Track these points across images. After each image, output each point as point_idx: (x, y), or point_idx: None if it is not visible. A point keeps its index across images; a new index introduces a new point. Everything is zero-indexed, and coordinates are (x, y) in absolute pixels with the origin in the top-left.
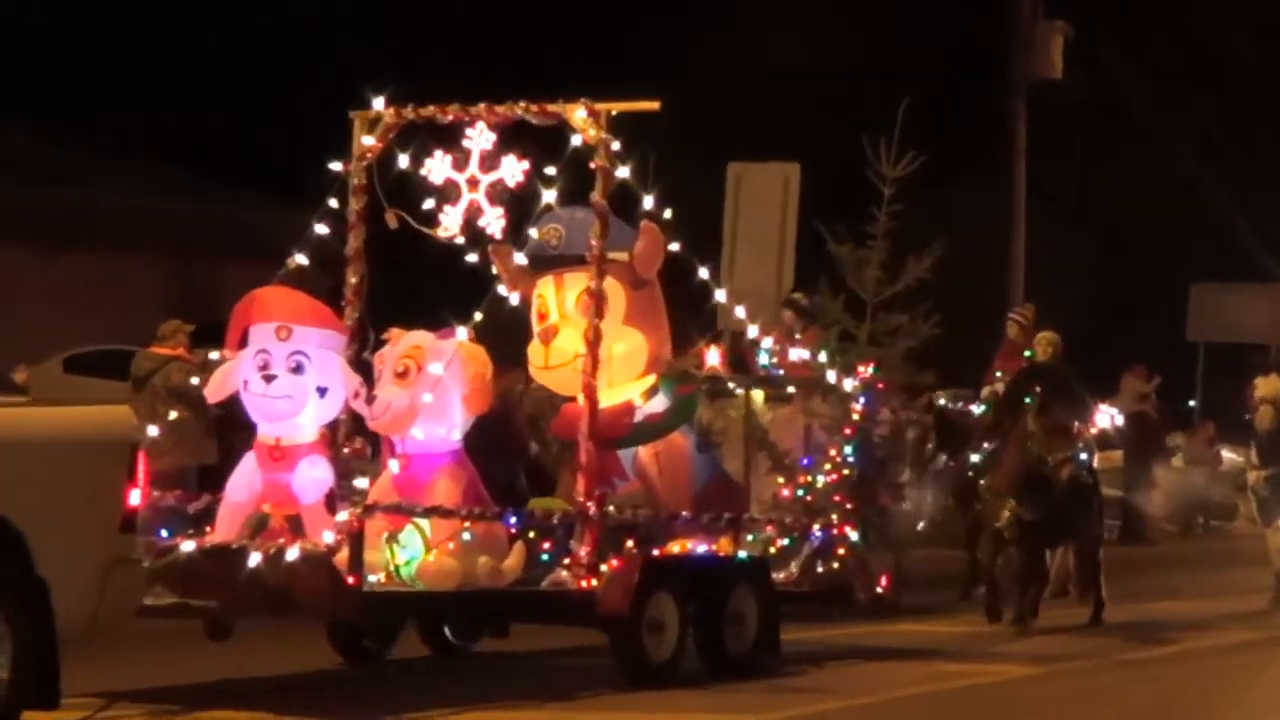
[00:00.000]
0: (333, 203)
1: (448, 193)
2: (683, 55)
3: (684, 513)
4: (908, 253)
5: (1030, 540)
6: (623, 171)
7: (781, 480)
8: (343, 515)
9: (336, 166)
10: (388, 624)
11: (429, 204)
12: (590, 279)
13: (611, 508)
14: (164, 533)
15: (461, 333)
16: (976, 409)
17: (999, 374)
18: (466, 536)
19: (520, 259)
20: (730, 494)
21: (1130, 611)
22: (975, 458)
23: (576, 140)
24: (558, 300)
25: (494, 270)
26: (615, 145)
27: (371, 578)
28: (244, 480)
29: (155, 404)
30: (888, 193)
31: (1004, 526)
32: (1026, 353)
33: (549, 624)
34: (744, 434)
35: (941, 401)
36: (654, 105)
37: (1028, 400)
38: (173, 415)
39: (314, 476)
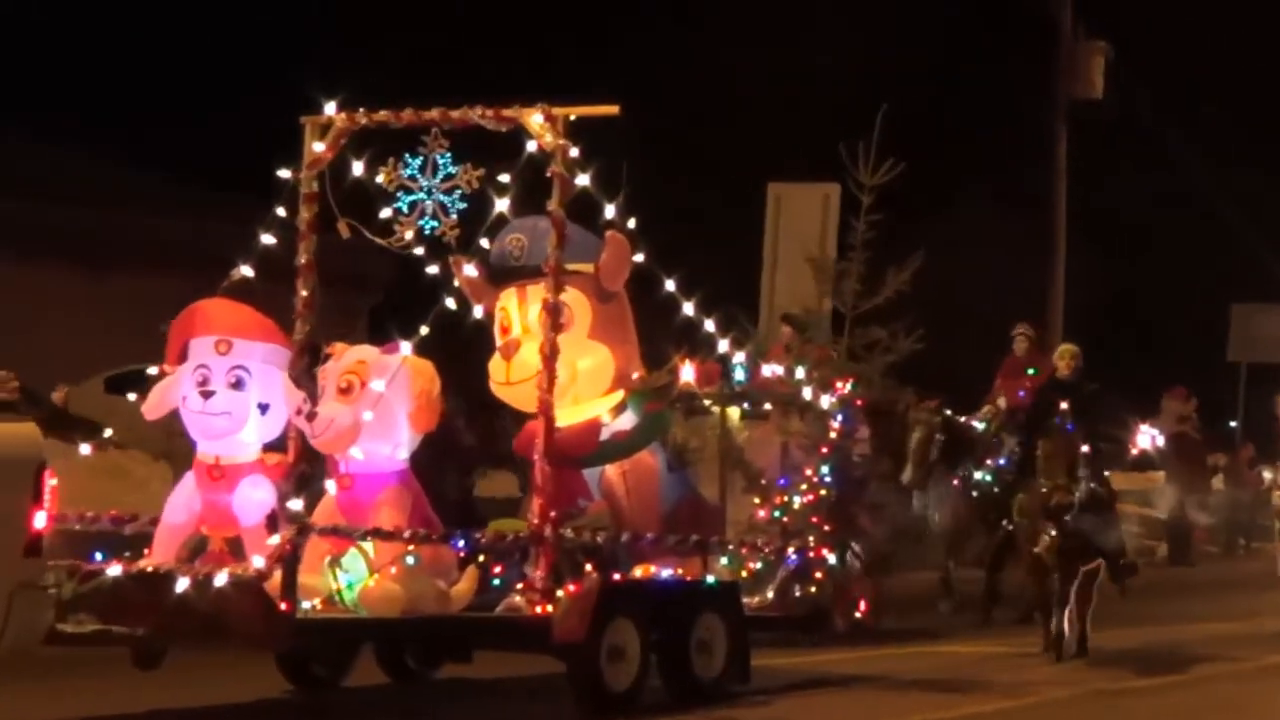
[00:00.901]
0: (281, 211)
1: (403, 201)
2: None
3: (649, 534)
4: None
5: (1066, 563)
6: (583, 179)
7: (758, 501)
8: (274, 538)
9: (285, 174)
10: (340, 650)
11: (386, 213)
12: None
13: (568, 530)
14: (98, 556)
15: (405, 347)
16: (978, 425)
17: (1000, 394)
18: (411, 560)
19: (470, 270)
20: (703, 515)
21: (1154, 635)
22: (979, 475)
23: (532, 146)
24: (520, 313)
25: (456, 282)
26: (574, 151)
27: (306, 604)
28: (182, 501)
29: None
30: (866, 201)
31: (1044, 550)
32: (1030, 369)
33: (504, 651)
34: (719, 453)
35: (948, 411)
36: (613, 110)
37: (1056, 420)
38: None
39: (255, 497)
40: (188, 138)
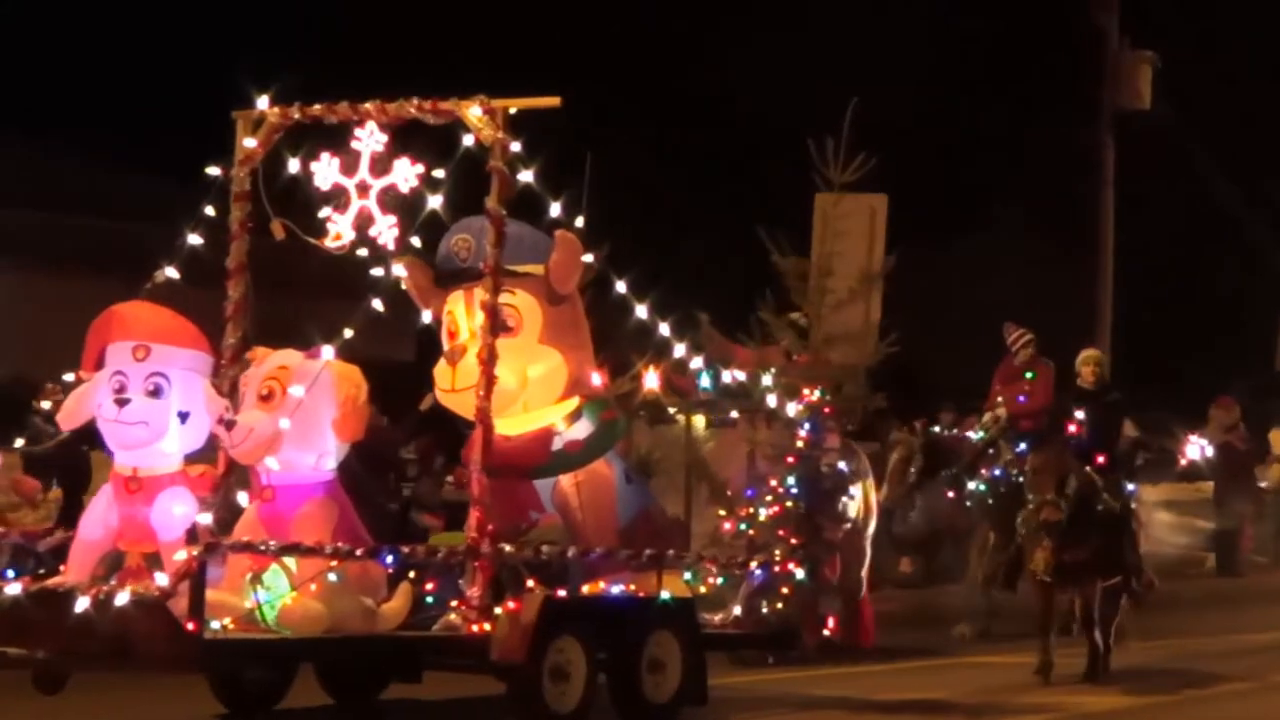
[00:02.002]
0: (210, 211)
1: (336, 199)
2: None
3: (598, 549)
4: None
5: (1071, 581)
6: (526, 175)
7: (723, 513)
8: (180, 555)
9: (215, 171)
10: (270, 669)
11: (325, 212)
12: (503, 293)
13: (510, 545)
14: (9, 573)
15: (328, 351)
16: (975, 435)
17: (1000, 400)
18: (334, 577)
19: (397, 270)
20: (662, 529)
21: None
22: (974, 484)
23: (469, 140)
24: (467, 317)
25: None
26: (515, 146)
27: (215, 623)
28: (99, 515)
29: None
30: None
31: (1038, 568)
32: (1028, 374)
33: (443, 671)
34: (685, 463)
35: (936, 428)
36: (554, 101)
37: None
38: None
39: (175, 511)
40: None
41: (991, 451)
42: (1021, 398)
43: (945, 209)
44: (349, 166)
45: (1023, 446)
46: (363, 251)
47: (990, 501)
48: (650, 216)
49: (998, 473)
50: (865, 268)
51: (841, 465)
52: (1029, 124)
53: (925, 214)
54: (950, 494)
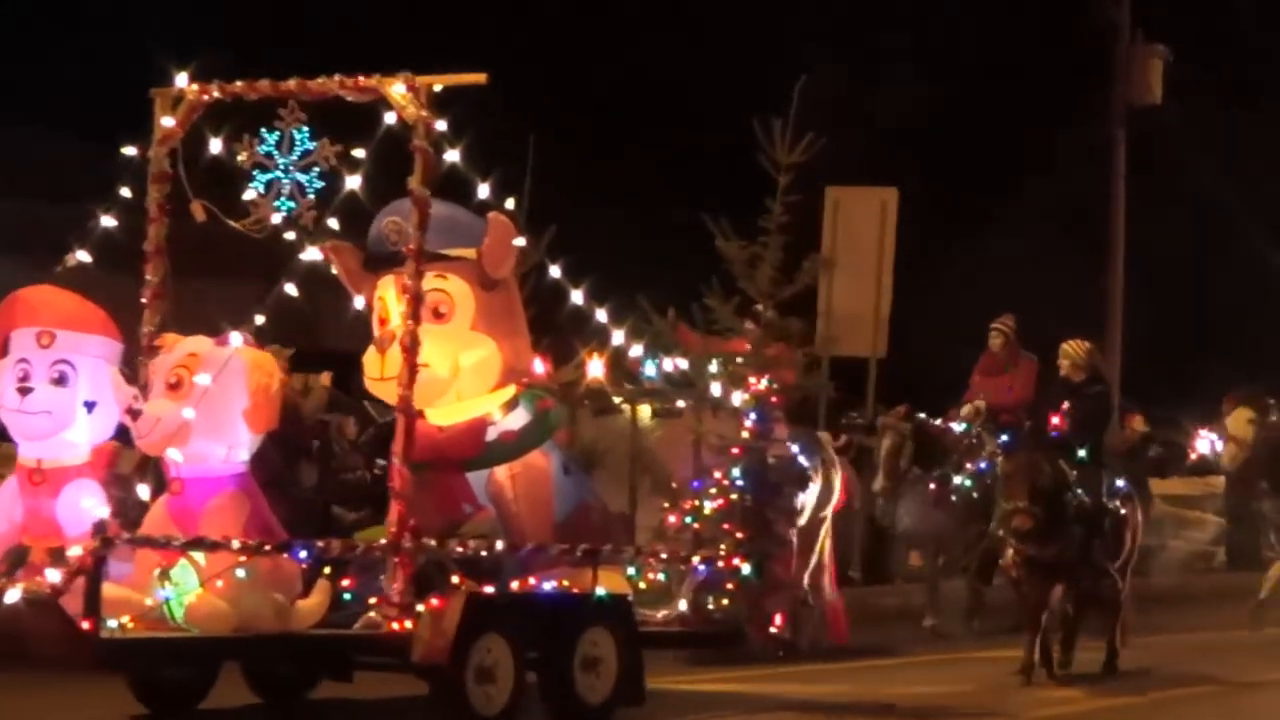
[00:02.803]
0: (125, 192)
1: (257, 180)
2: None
3: (530, 544)
4: None
5: (1045, 582)
6: (453, 155)
7: (667, 506)
8: (75, 550)
9: (130, 151)
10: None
11: (251, 195)
12: (434, 278)
13: (435, 540)
14: None
15: (237, 338)
16: (957, 427)
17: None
18: (242, 573)
19: (314, 254)
20: (602, 522)
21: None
22: (959, 479)
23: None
24: (399, 303)
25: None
26: (441, 125)
27: (112, 622)
28: (3, 509)
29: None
30: (782, 181)
31: (1009, 566)
32: (1009, 366)
33: (366, 670)
34: (630, 454)
35: (921, 415)
36: (480, 78)
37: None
38: None
39: (81, 504)
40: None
41: (975, 443)
42: (1009, 389)
43: (954, 204)
44: (270, 145)
45: (1005, 438)
46: (290, 236)
47: (975, 496)
48: (592, 201)
49: (983, 466)
50: (876, 261)
51: (802, 459)
52: (1040, 119)
53: (933, 209)
54: (933, 487)
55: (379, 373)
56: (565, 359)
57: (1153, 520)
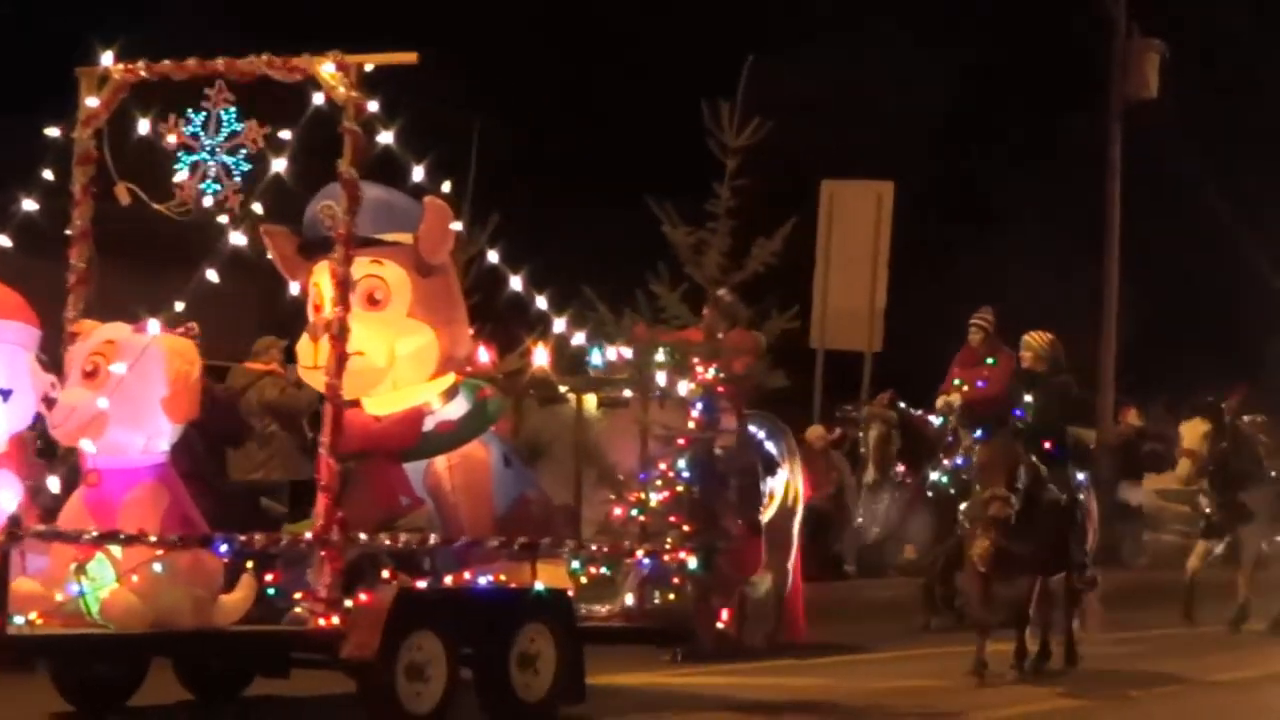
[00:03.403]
0: (48, 174)
1: (182, 161)
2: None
3: (464, 537)
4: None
5: (1014, 573)
6: (385, 137)
7: (613, 497)
8: None
9: (54, 132)
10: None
11: (180, 177)
12: (370, 263)
13: (366, 534)
14: None
15: (154, 325)
16: (935, 420)
17: (957, 382)
18: (159, 567)
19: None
20: (544, 514)
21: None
22: (936, 475)
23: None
24: (334, 289)
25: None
26: (372, 106)
27: (19, 618)
28: None
29: (249, 418)
30: (730, 164)
31: (977, 557)
32: (989, 359)
33: (296, 667)
34: (575, 445)
35: (901, 404)
36: (411, 57)
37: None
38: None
39: None
40: None
41: (951, 440)
42: (982, 383)
43: (948, 199)
44: (196, 126)
45: (980, 433)
46: (223, 219)
47: (953, 492)
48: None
49: (960, 461)
50: (871, 255)
51: (769, 445)
52: (1036, 114)
53: (928, 203)
54: (908, 482)
55: (312, 360)
56: (510, 348)
57: (1147, 515)
